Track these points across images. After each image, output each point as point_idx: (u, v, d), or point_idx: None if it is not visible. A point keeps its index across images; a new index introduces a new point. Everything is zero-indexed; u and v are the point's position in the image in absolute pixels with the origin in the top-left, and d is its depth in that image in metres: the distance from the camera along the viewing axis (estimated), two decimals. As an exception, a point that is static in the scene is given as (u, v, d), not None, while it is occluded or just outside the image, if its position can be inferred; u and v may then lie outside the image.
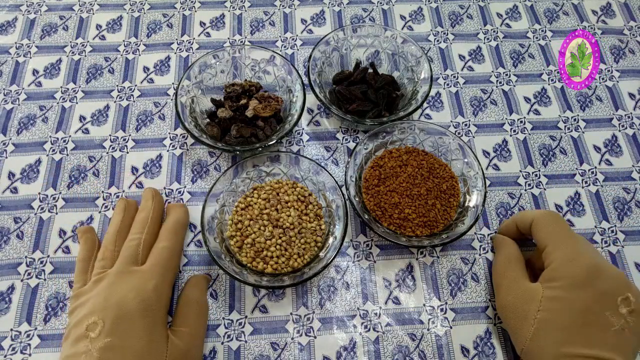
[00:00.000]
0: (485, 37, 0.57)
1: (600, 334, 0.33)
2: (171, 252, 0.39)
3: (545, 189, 0.47)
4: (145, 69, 0.53)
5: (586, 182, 0.48)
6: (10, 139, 0.48)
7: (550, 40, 0.57)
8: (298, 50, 0.55)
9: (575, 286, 0.34)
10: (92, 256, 0.40)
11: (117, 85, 0.52)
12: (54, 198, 0.45)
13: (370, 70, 0.50)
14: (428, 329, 0.41)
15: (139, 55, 0.54)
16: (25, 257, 0.42)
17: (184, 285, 0.41)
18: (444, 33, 0.57)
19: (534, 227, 0.39)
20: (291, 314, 0.41)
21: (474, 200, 0.43)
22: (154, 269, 0.36)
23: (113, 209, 0.45)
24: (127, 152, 0.48)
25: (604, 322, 0.33)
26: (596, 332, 0.33)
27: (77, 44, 0.54)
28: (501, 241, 0.43)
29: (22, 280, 0.41)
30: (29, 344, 0.39)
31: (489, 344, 0.40)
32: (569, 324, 0.34)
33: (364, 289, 0.42)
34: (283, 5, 0.58)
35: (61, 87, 0.51)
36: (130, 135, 0.49)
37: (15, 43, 0.54)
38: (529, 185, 0.48)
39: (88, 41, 0.54)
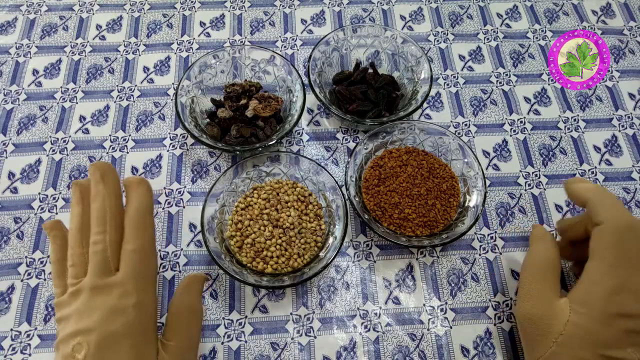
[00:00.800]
0: (485, 37, 0.57)
1: None
2: (142, 254, 0.34)
3: (545, 189, 0.47)
4: (145, 69, 0.53)
5: (586, 182, 0.48)
6: (10, 139, 0.48)
7: (550, 41, 0.57)
8: (298, 50, 0.55)
9: (603, 321, 0.32)
10: (65, 256, 0.36)
11: (117, 85, 0.52)
12: (54, 198, 0.45)
13: (370, 70, 0.50)
14: (428, 329, 0.41)
15: (139, 55, 0.54)
16: (25, 257, 0.42)
17: (176, 289, 0.37)
18: (444, 33, 0.57)
19: (597, 233, 0.34)
20: (291, 314, 0.41)
21: (474, 200, 0.43)
22: (129, 283, 0.33)
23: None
24: (127, 152, 0.48)
25: (623, 357, 0.32)
26: None
27: (77, 44, 0.54)
28: (542, 237, 0.38)
29: (22, 280, 0.41)
30: (29, 344, 0.39)
31: (489, 344, 0.40)
32: (584, 355, 0.32)
33: (364, 289, 0.42)
34: (283, 5, 0.58)
35: (61, 87, 0.51)
36: (130, 135, 0.49)
37: (15, 43, 0.54)
38: (529, 185, 0.48)
39: (88, 41, 0.54)
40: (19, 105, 0.50)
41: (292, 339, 0.40)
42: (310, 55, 0.48)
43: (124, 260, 0.33)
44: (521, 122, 0.51)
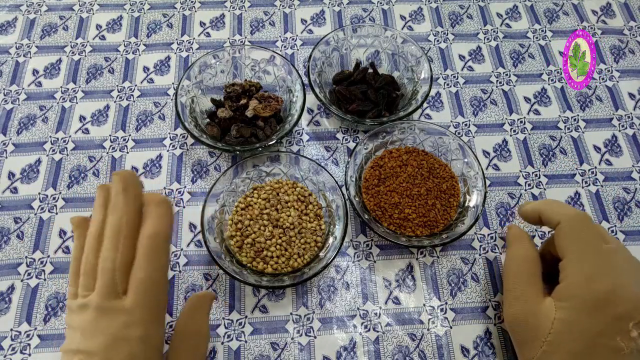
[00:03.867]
0: (485, 37, 0.57)
1: (608, 358, 0.32)
2: (153, 283, 0.32)
3: (545, 189, 0.47)
4: (145, 69, 0.53)
5: (586, 182, 0.48)
6: (10, 139, 0.48)
7: (550, 40, 0.57)
8: (298, 50, 0.55)
9: (588, 310, 0.33)
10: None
11: (117, 85, 0.52)
12: (54, 198, 0.45)
13: (370, 70, 0.50)
14: (428, 329, 0.41)
15: (139, 55, 0.54)
16: (25, 257, 0.42)
17: (182, 310, 0.36)
18: (444, 33, 0.57)
19: (558, 232, 0.36)
20: (291, 314, 0.41)
21: (474, 200, 0.43)
22: (136, 313, 0.31)
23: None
24: (127, 152, 0.48)
25: (614, 347, 0.32)
26: (604, 357, 0.32)
27: (77, 44, 0.54)
28: (518, 237, 0.39)
29: (22, 280, 0.41)
30: (29, 344, 0.39)
31: (489, 344, 0.40)
32: (579, 350, 0.32)
33: (364, 289, 0.42)
34: (283, 5, 0.58)
35: (61, 87, 0.51)
36: (130, 135, 0.49)
37: (15, 43, 0.54)
38: (529, 185, 0.48)
39: (88, 41, 0.54)
40: (19, 105, 0.50)
41: (292, 339, 0.40)
42: (310, 55, 0.48)
43: (132, 288, 0.32)
44: (521, 122, 0.51)
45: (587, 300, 0.33)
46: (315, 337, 0.40)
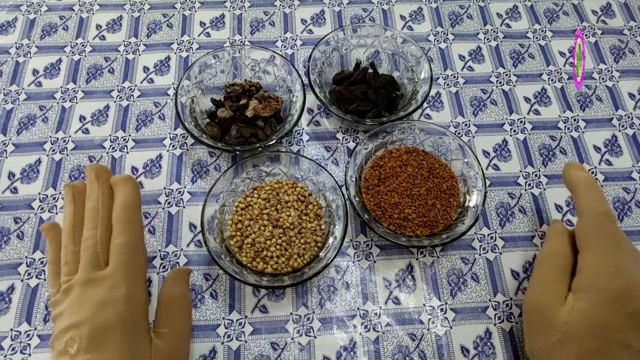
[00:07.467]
0: (485, 37, 0.57)
1: (618, 354, 0.32)
2: (131, 247, 0.35)
3: (545, 189, 0.47)
4: (145, 69, 0.53)
5: (586, 182, 0.48)
6: (10, 139, 0.48)
7: (550, 40, 0.57)
8: (298, 50, 0.55)
9: (605, 303, 0.33)
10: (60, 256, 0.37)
11: (117, 85, 0.52)
12: (54, 198, 0.45)
13: (370, 70, 0.50)
14: (428, 329, 0.41)
15: (139, 55, 0.54)
16: (25, 257, 0.42)
17: (164, 281, 0.38)
18: (444, 33, 0.57)
19: (579, 226, 0.37)
20: (291, 314, 0.41)
21: (474, 200, 0.43)
22: (119, 275, 0.33)
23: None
24: (127, 152, 0.48)
25: (625, 343, 0.32)
26: (614, 352, 0.32)
27: (77, 44, 0.54)
28: (561, 233, 0.39)
29: (22, 280, 0.41)
30: (29, 344, 0.39)
31: (489, 344, 0.40)
32: (590, 342, 0.33)
33: (364, 289, 0.42)
34: (283, 5, 0.58)
35: (61, 87, 0.51)
36: (130, 135, 0.49)
37: (15, 43, 0.54)
38: (529, 185, 0.48)
39: (88, 41, 0.54)
40: (19, 105, 0.50)
41: (292, 339, 0.40)
42: (310, 55, 0.48)
43: (113, 254, 0.34)
44: (521, 122, 0.51)
45: (605, 292, 0.33)
46: (315, 337, 0.40)
